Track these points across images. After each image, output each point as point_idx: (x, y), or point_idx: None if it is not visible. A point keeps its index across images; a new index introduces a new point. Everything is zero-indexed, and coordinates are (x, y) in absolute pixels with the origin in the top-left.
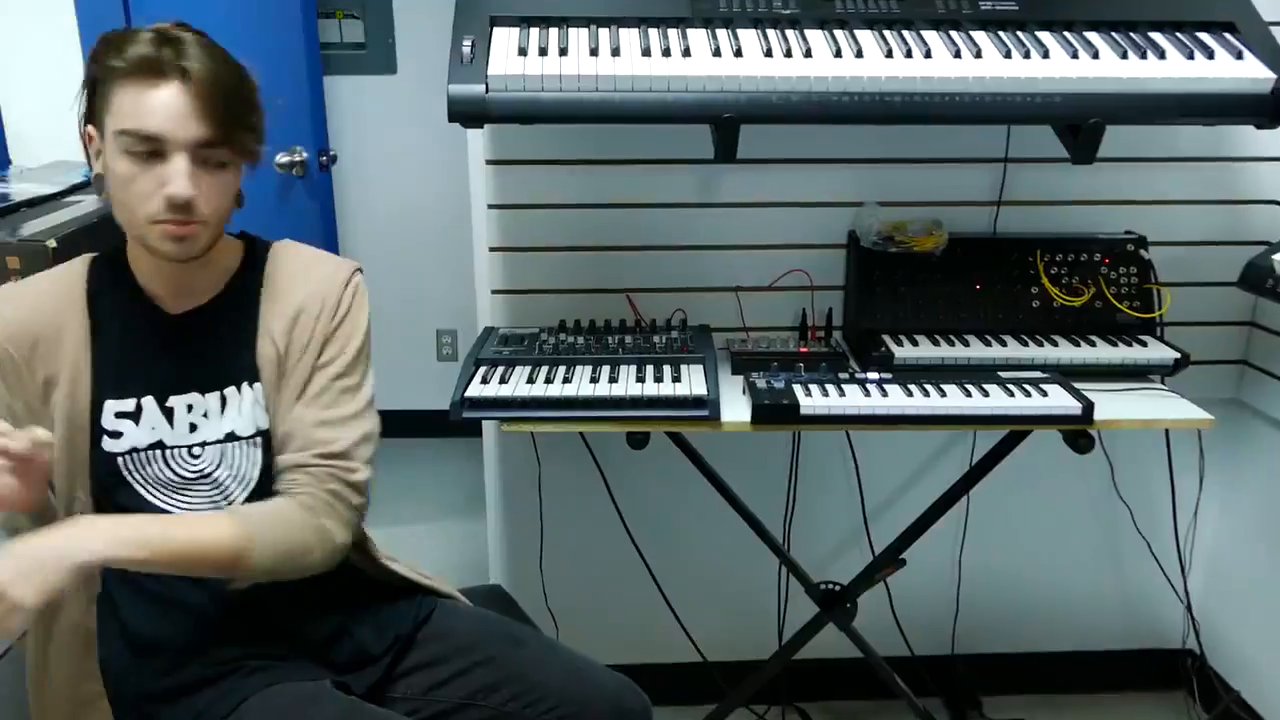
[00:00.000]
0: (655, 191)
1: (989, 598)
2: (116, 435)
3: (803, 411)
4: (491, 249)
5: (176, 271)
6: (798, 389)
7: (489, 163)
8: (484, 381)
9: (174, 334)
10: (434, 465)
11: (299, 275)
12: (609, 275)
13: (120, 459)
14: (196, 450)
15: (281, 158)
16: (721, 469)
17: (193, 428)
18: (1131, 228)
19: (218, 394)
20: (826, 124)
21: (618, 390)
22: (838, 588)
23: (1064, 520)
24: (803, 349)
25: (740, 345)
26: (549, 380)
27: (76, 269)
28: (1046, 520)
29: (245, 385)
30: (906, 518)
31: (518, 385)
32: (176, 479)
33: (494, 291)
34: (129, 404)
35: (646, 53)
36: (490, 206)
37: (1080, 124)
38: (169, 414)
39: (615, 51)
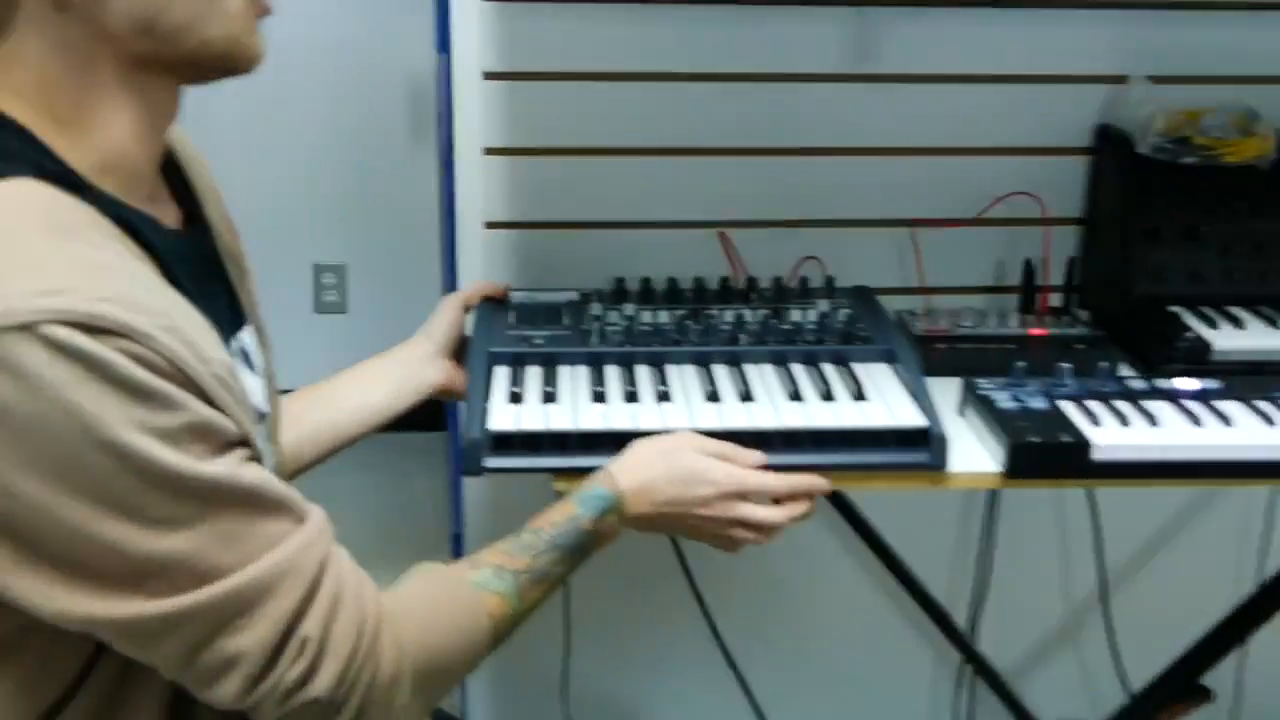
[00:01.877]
0: (765, 53)
1: None
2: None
3: (1096, 456)
4: (487, 151)
5: (159, 141)
6: (1072, 412)
7: None
8: (515, 400)
9: (188, 267)
10: (321, 483)
11: (177, 138)
12: (687, 198)
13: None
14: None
15: None
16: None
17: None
18: None
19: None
20: None
21: (760, 417)
22: None
23: None
24: (1033, 330)
25: (926, 322)
26: (629, 395)
27: (55, 200)
28: None
29: (247, 326)
30: (1175, 604)
31: (576, 405)
32: None
33: (489, 225)
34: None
35: None
36: (489, 76)
37: None
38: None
39: None
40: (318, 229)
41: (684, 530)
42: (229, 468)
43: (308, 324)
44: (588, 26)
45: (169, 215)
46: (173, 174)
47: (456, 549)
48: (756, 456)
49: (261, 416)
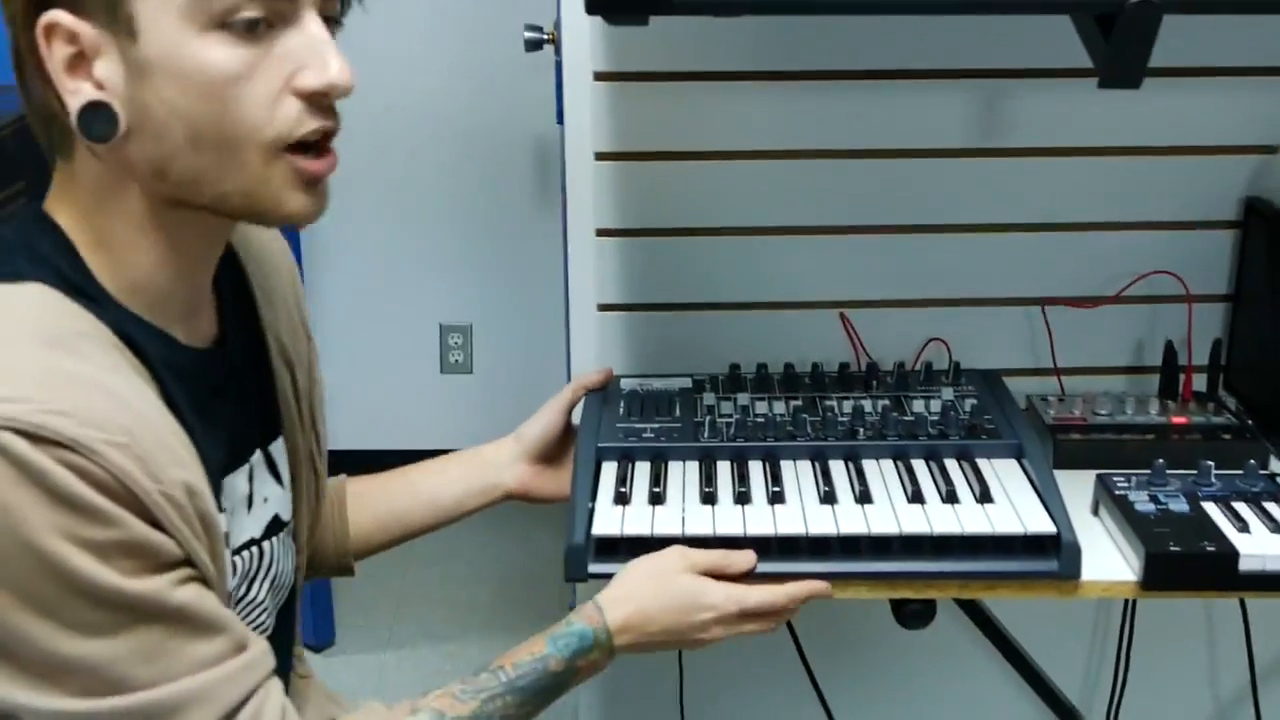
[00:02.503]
0: (886, 128)
1: None
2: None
3: (1243, 567)
4: (600, 232)
5: (196, 270)
6: (1219, 516)
7: (599, 77)
8: (621, 501)
9: (202, 385)
10: (445, 543)
11: (251, 236)
12: (806, 278)
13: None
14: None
15: None
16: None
17: (225, 538)
18: None
19: (245, 467)
20: None
21: (879, 521)
22: None
23: None
24: (1175, 418)
25: (1058, 409)
26: (740, 496)
27: (63, 310)
28: None
29: (278, 439)
30: None
31: (687, 507)
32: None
33: (601, 307)
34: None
35: None
36: (600, 157)
37: None
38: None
39: None
40: (444, 290)
41: (683, 647)
42: (158, 587)
43: (433, 383)
44: (700, 103)
45: (199, 330)
46: (230, 280)
47: None
48: (749, 558)
49: (282, 524)
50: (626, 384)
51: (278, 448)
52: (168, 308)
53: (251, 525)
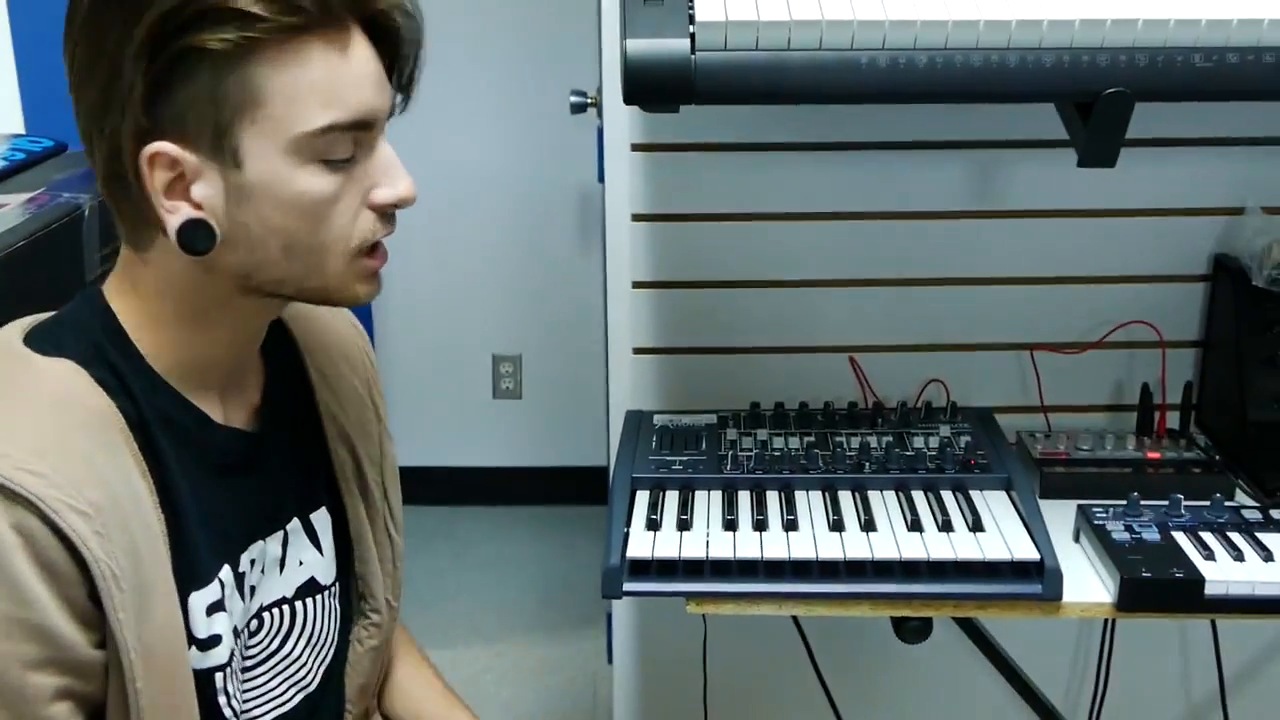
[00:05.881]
0: (892, 192)
1: None
2: (213, 643)
3: (1209, 591)
4: (635, 284)
5: (243, 347)
6: (1187, 545)
7: (636, 148)
8: (652, 527)
9: (234, 459)
10: (496, 550)
11: (317, 322)
12: (820, 325)
13: (218, 675)
14: (255, 623)
15: None
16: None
17: (251, 591)
18: None
19: (280, 533)
20: None
21: (881, 547)
22: None
23: None
24: (1150, 453)
25: (1044, 444)
26: (758, 523)
27: (76, 386)
28: None
29: (320, 510)
30: None
31: (711, 533)
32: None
33: (637, 350)
34: (213, 590)
35: None
36: (636, 218)
37: None
38: (240, 582)
39: None
40: (497, 325)
41: None
42: (38, 687)
43: (486, 409)
44: (726, 171)
45: (240, 404)
46: (281, 359)
47: (609, 625)
48: None
49: (320, 587)
50: (659, 419)
51: (319, 517)
52: (205, 384)
53: (283, 585)
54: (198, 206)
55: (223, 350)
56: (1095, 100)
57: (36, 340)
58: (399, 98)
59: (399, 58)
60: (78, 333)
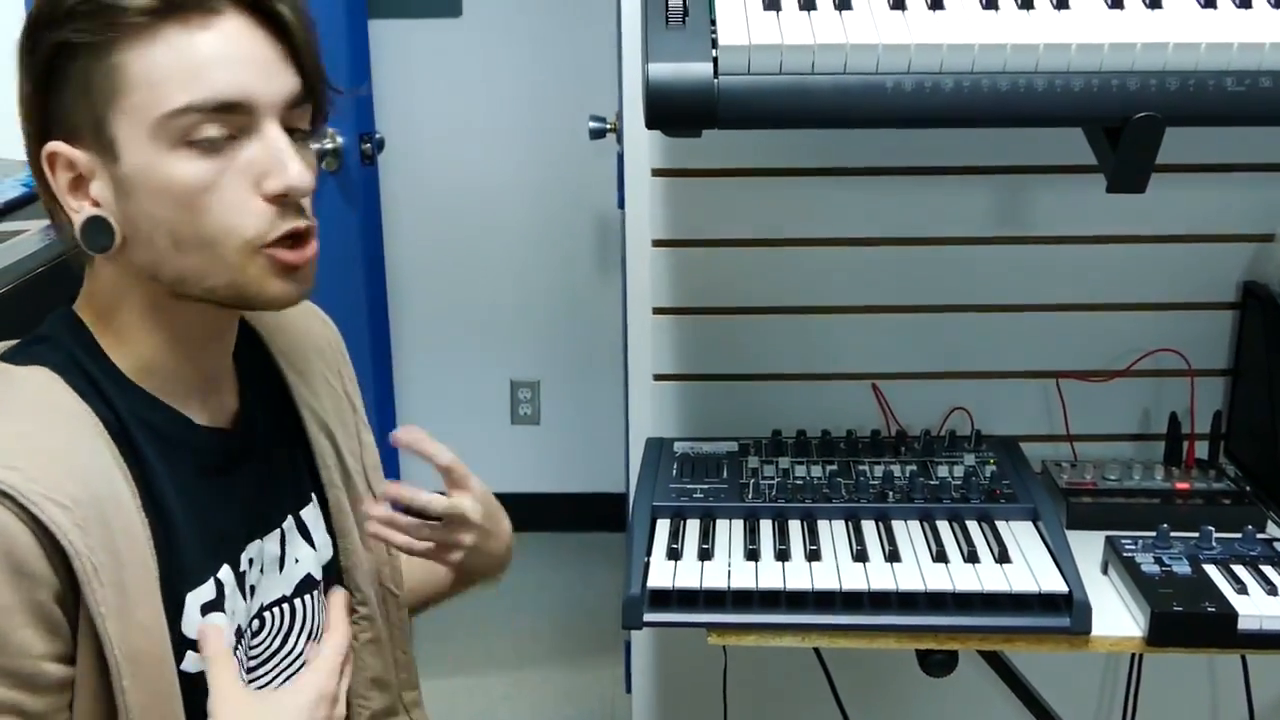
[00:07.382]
0: (917, 218)
1: None
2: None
3: (1242, 626)
4: (656, 310)
5: (204, 352)
6: (1219, 578)
7: (657, 173)
8: (673, 556)
9: (219, 459)
10: (512, 577)
11: (285, 320)
12: (842, 352)
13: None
14: (256, 623)
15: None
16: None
17: (252, 591)
18: None
19: (276, 532)
20: None
21: (906, 578)
22: None
23: None
24: (1179, 484)
25: (1070, 474)
26: (781, 553)
27: (52, 391)
28: None
29: (309, 505)
30: None
31: (732, 563)
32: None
33: (658, 377)
34: (208, 589)
35: (991, 4)
36: (657, 244)
37: None
38: (241, 582)
39: (936, 3)
40: (516, 351)
41: None
42: None
43: (505, 434)
44: (748, 196)
45: (217, 409)
46: (253, 362)
47: (627, 654)
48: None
49: (315, 583)
50: (679, 447)
51: (309, 512)
52: (178, 388)
53: (283, 584)
54: (96, 204)
55: (180, 358)
56: (1124, 125)
57: (12, 355)
58: (305, 86)
59: (294, 44)
60: (52, 345)
